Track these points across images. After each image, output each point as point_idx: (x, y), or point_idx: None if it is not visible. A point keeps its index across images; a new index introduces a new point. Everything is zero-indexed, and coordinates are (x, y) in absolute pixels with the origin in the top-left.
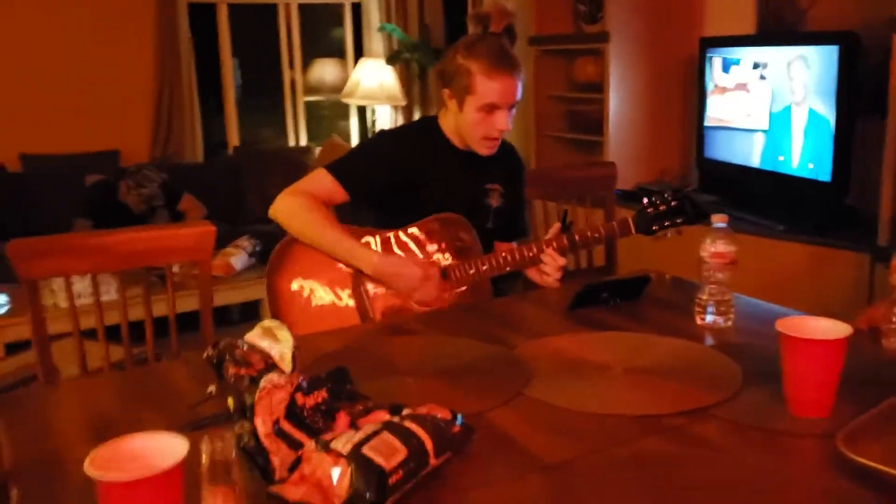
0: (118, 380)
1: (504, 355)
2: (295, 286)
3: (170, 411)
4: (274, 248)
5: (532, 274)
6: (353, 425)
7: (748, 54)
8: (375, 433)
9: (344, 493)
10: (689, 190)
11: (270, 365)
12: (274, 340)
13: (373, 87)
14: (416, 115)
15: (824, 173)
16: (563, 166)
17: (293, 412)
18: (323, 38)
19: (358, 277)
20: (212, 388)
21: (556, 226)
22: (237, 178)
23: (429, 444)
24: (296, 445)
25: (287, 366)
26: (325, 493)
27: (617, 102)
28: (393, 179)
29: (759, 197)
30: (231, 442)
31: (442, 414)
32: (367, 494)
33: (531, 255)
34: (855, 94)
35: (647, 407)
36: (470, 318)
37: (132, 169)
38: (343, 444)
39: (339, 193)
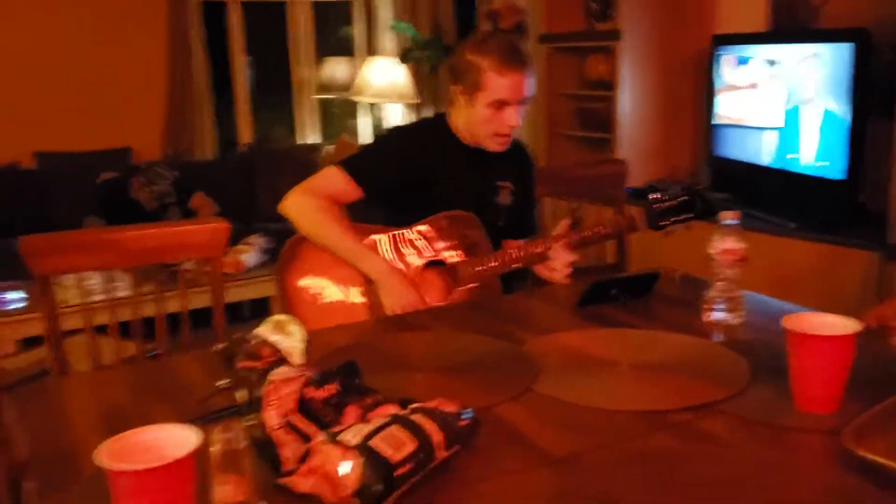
0: (130, 373)
1: (512, 351)
2: (305, 283)
3: (181, 404)
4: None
5: (541, 270)
6: (363, 418)
7: (760, 52)
8: (384, 426)
9: (352, 484)
10: (701, 187)
11: (281, 358)
12: (284, 334)
13: (384, 85)
14: (428, 114)
15: (837, 171)
16: (574, 164)
17: (303, 405)
18: (334, 35)
19: None
20: (222, 382)
21: (565, 222)
22: (249, 175)
23: (437, 438)
24: (305, 438)
25: (297, 359)
26: (334, 484)
27: (628, 100)
28: (402, 176)
29: (771, 195)
30: (241, 432)
31: (450, 408)
32: (375, 486)
33: (540, 251)
34: (867, 93)
35: (654, 402)
36: (479, 314)
37: (144, 166)
38: (352, 436)
39: (351, 191)
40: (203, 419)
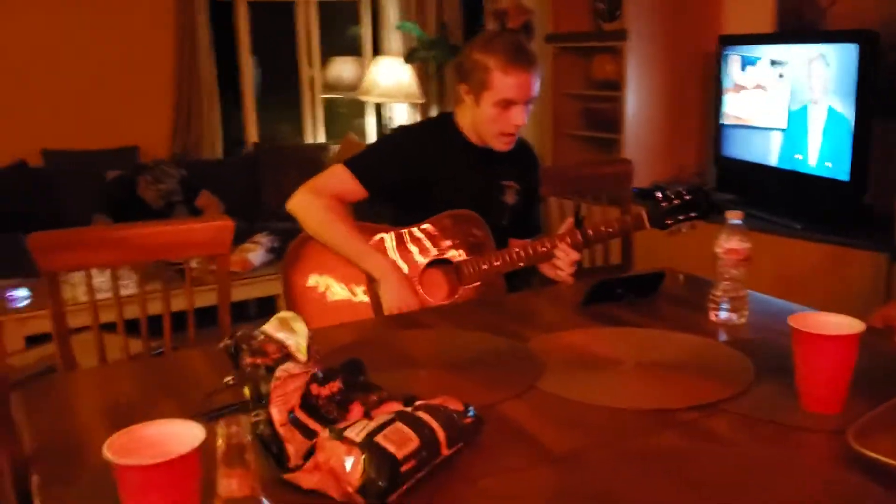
0: (136, 369)
1: (516, 349)
2: (310, 281)
3: (187, 400)
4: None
5: (545, 269)
6: (367, 415)
7: (767, 52)
8: (388, 423)
9: (357, 480)
10: (705, 189)
11: (286, 355)
12: (290, 331)
13: (390, 84)
14: (433, 114)
15: (842, 172)
16: (579, 163)
17: (308, 402)
18: (341, 35)
19: None
20: (229, 378)
21: (570, 221)
22: (255, 174)
23: (441, 435)
24: (310, 434)
25: (302, 356)
26: (339, 480)
27: (634, 100)
28: (407, 176)
29: (777, 195)
30: (246, 426)
31: (454, 405)
32: (380, 482)
33: (544, 250)
34: (873, 94)
35: (658, 401)
36: (483, 313)
37: (151, 165)
38: (356, 432)
39: (356, 190)
40: (209, 415)
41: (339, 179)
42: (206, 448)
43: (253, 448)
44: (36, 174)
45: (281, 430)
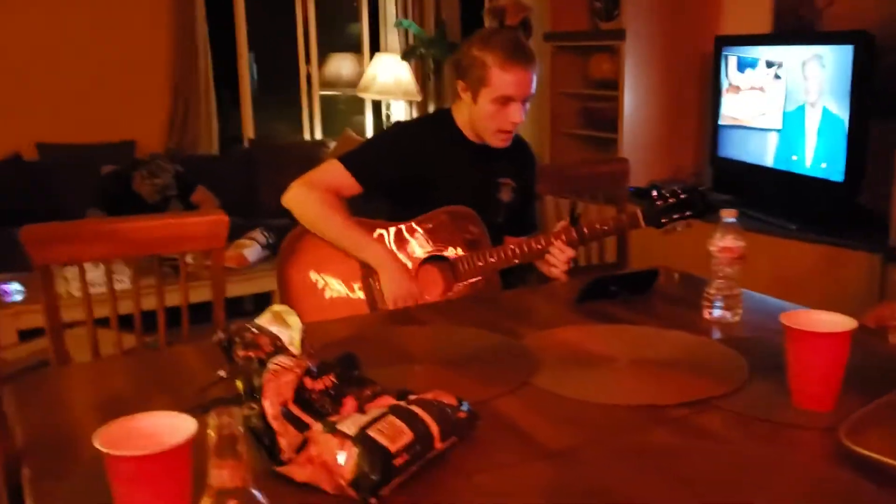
0: (129, 363)
1: (511, 345)
2: (306, 277)
3: (180, 394)
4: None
5: (540, 266)
6: (361, 410)
7: (764, 53)
8: (381, 416)
9: (349, 473)
10: (701, 188)
11: (279, 348)
12: (283, 325)
13: (388, 81)
14: (431, 110)
15: (837, 173)
16: (576, 162)
17: (301, 396)
18: (339, 32)
19: (367, 269)
20: (222, 371)
21: (566, 219)
22: (251, 171)
23: (434, 429)
24: (303, 428)
25: (296, 350)
26: (331, 473)
27: (632, 100)
28: (402, 172)
29: (772, 196)
30: (238, 417)
31: (448, 400)
32: (372, 476)
33: (539, 247)
34: (869, 95)
35: (651, 397)
36: (478, 309)
37: (146, 159)
38: (349, 426)
39: (351, 185)
40: (202, 408)
41: (334, 174)
42: (198, 440)
43: (245, 440)
44: (31, 168)
45: (273, 423)
